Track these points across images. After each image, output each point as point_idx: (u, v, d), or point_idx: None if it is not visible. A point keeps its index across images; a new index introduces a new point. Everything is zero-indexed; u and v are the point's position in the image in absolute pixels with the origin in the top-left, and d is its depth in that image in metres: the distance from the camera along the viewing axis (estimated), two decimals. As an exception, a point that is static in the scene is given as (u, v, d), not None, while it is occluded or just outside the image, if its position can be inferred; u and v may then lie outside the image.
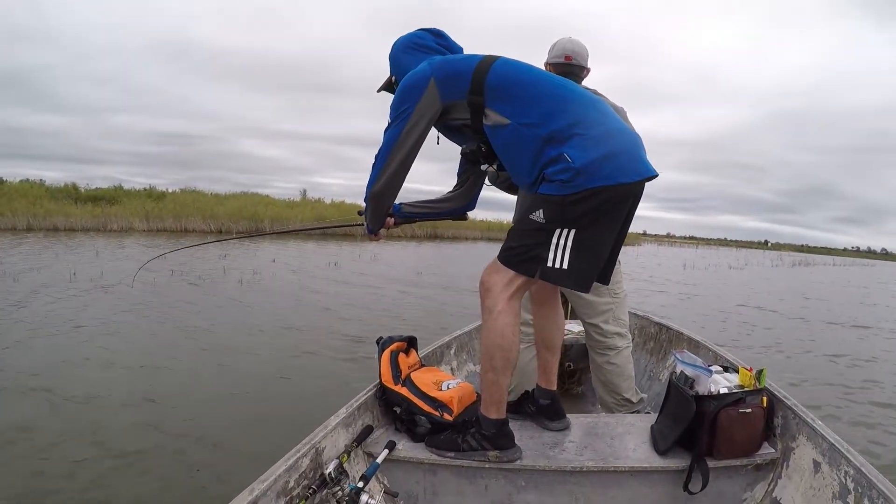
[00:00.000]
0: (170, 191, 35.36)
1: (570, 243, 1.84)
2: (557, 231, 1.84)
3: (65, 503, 3.14)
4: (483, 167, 2.27)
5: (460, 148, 2.31)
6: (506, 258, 1.98)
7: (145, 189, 35.86)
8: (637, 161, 1.87)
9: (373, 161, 2.14)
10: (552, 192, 1.83)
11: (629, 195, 1.90)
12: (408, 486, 2.29)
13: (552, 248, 1.86)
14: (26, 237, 19.26)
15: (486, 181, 2.53)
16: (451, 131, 2.25)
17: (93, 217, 25.62)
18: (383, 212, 2.30)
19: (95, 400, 4.72)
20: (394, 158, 2.05)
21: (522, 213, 2.02)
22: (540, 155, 1.86)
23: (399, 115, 2.02)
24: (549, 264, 1.87)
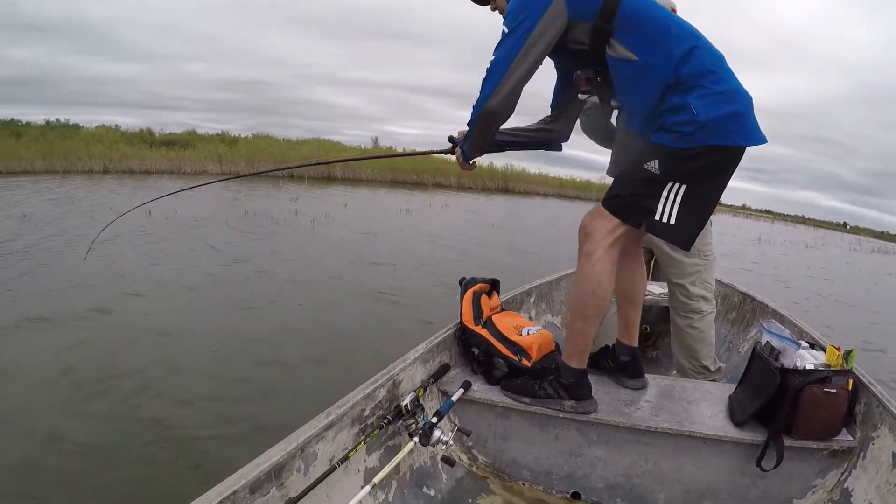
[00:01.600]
0: (242, 136, 36.56)
1: (679, 198, 1.84)
2: (670, 184, 1.84)
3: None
4: (585, 97, 2.22)
5: (556, 77, 2.26)
6: (613, 206, 1.97)
7: (218, 134, 37.15)
8: (754, 125, 1.84)
9: (483, 77, 2.01)
10: (671, 143, 1.81)
11: (740, 158, 1.89)
12: (479, 427, 2.36)
13: (662, 200, 1.86)
14: (102, 179, 20.52)
15: (579, 125, 2.46)
16: (561, 54, 2.14)
17: (167, 160, 26.87)
18: (492, 134, 2.17)
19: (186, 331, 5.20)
20: (513, 74, 1.92)
21: (634, 161, 1.99)
22: (662, 100, 1.82)
23: (518, 25, 1.91)
24: (657, 217, 1.87)
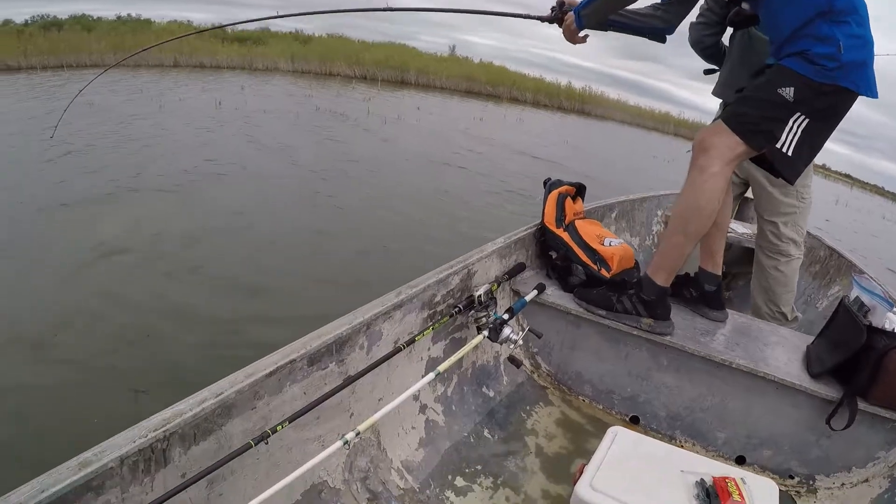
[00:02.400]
0: (317, 35, 36.33)
1: (800, 132, 1.84)
2: (797, 115, 1.83)
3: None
4: None
5: None
6: (738, 123, 1.91)
7: (291, 33, 36.99)
8: (873, 78, 1.83)
9: None
10: (810, 74, 1.77)
11: (851, 106, 1.89)
12: (548, 333, 2.29)
13: (786, 130, 1.85)
14: (170, 71, 20.82)
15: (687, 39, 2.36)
16: None
17: (239, 56, 26.94)
18: (622, 4, 2.16)
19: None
20: None
21: (765, 83, 1.89)
22: (809, 24, 1.77)
23: None
24: (778, 145, 1.86)
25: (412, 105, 16.97)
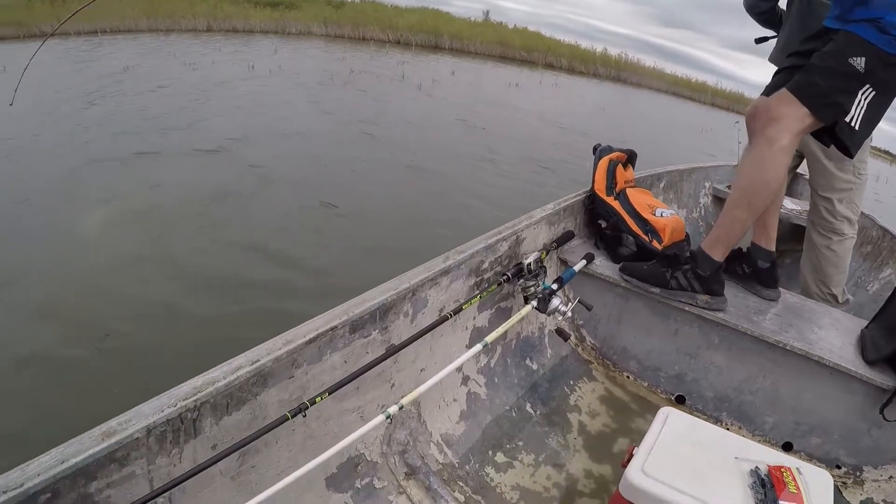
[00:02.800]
0: (349, 0, 35.93)
1: (867, 104, 1.76)
2: (866, 87, 1.74)
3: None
4: None
5: None
6: (808, 94, 1.80)
7: (325, -5, 36.62)
8: None
9: None
10: (882, 44, 1.68)
11: None
12: (594, 305, 2.18)
13: (855, 102, 1.76)
14: (202, 35, 20.77)
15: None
16: None
17: (272, 20, 26.77)
18: None
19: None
20: None
21: (835, 52, 1.78)
22: None
23: None
24: (847, 118, 1.77)
25: (446, 70, 16.81)
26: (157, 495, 1.01)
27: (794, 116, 1.80)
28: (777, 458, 1.34)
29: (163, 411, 1.05)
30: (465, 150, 7.30)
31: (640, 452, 1.36)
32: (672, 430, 1.43)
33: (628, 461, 1.39)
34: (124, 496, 1.03)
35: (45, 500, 0.91)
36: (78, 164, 5.17)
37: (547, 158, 7.56)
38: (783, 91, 1.85)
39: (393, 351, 1.44)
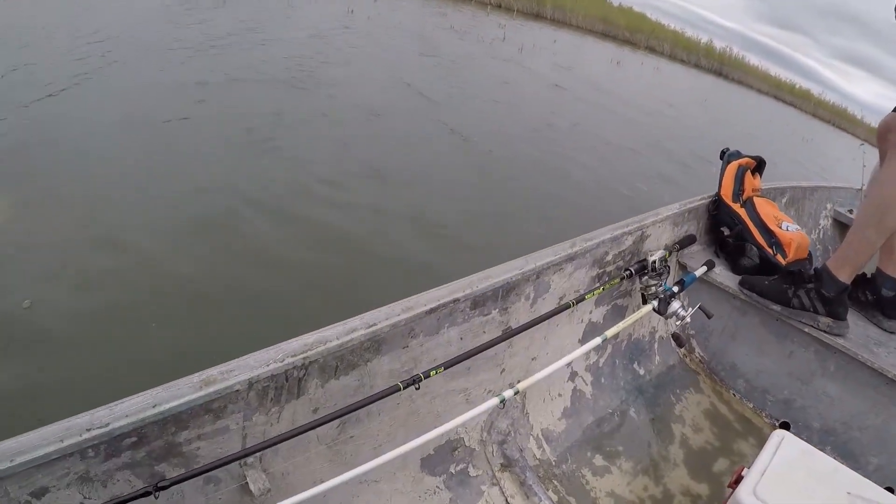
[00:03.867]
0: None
1: None
2: None
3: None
4: None
5: None
6: None
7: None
8: None
9: None
10: None
11: None
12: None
13: None
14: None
15: None
16: None
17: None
18: None
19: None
20: None
21: None
22: None
23: None
24: None
25: (548, 38, 16.46)
26: (249, 454, 0.97)
27: None
28: (891, 500, 1.26)
29: (268, 365, 1.00)
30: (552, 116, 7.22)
31: (751, 474, 1.28)
32: (785, 455, 1.34)
33: (736, 482, 1.33)
34: (214, 449, 1.00)
35: (129, 444, 0.88)
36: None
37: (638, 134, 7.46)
38: None
39: (509, 334, 1.37)
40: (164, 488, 0.87)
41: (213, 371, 0.96)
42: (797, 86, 29.30)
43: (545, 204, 4.74)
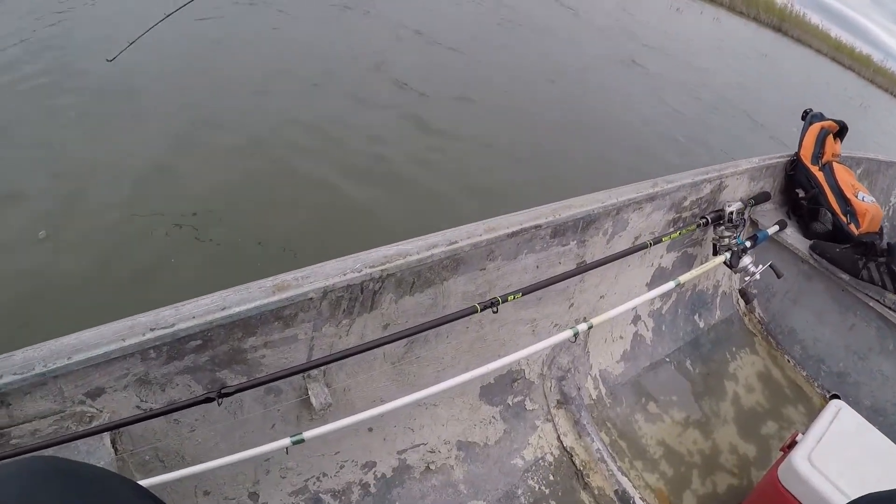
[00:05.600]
0: None
1: None
2: None
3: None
4: None
5: None
6: None
7: None
8: None
9: None
10: None
11: None
12: (773, 277, 2.04)
13: None
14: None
15: None
16: None
17: None
18: None
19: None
20: None
21: None
22: None
23: None
24: None
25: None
26: (315, 366, 0.93)
27: None
28: None
29: (345, 275, 0.95)
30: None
31: (806, 440, 1.24)
32: (842, 426, 1.30)
33: (789, 446, 1.30)
34: (279, 358, 0.96)
35: (193, 347, 0.84)
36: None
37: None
38: None
39: (584, 269, 1.32)
40: (227, 395, 0.83)
41: (287, 276, 0.91)
42: (857, 50, 28.08)
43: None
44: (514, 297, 1.13)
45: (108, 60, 2.18)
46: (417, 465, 1.28)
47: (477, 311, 1.07)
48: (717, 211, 1.72)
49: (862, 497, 0.83)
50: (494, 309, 1.09)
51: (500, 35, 6.69)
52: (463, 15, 6.95)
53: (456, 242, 1.10)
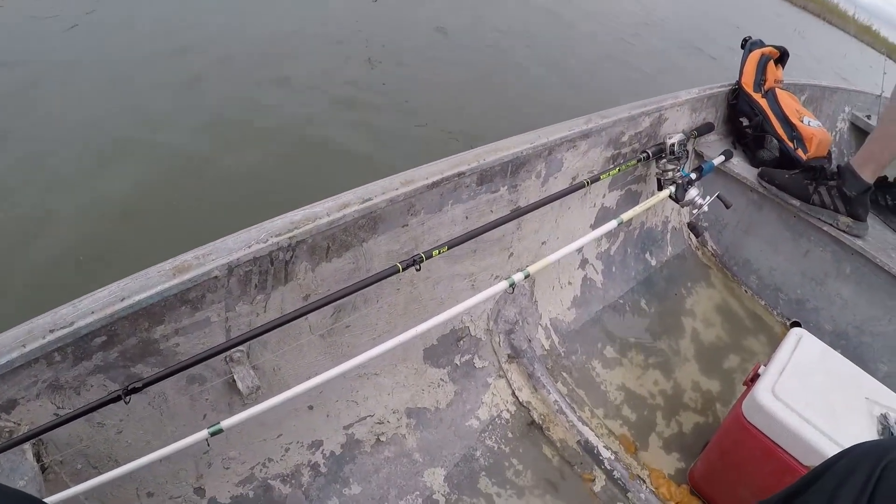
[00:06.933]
0: None
1: None
2: None
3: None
4: None
5: None
6: None
7: None
8: None
9: None
10: None
11: None
12: (723, 207, 2.01)
13: None
14: None
15: None
16: None
17: None
18: None
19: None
20: None
21: None
22: None
23: None
24: None
25: None
26: (234, 346, 0.84)
27: None
28: None
29: (250, 247, 0.87)
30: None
31: (768, 372, 1.19)
32: (804, 354, 1.25)
33: (752, 379, 1.26)
34: (195, 344, 0.88)
35: (99, 343, 0.76)
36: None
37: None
38: None
39: (518, 213, 1.23)
40: (136, 390, 0.75)
41: (186, 256, 0.83)
42: (884, 34, 28.35)
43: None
44: (438, 252, 1.05)
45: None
46: (367, 439, 1.21)
47: (399, 271, 0.98)
48: (658, 144, 1.65)
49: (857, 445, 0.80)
50: (417, 267, 1.01)
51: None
52: None
53: (370, 199, 1.01)
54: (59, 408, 0.78)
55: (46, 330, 0.71)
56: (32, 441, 0.74)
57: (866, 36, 23.32)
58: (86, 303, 0.74)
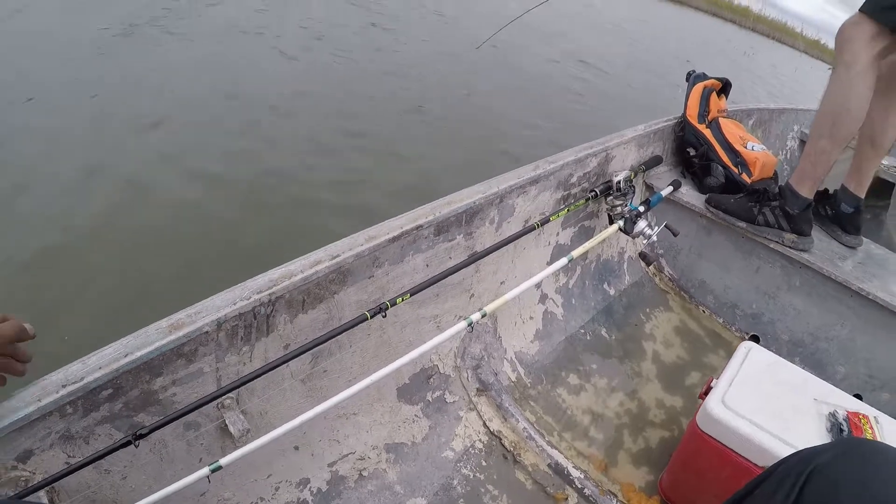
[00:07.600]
0: None
1: None
2: None
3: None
4: None
5: None
6: (868, 5, 1.68)
7: None
8: None
9: None
10: None
11: None
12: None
13: None
14: None
15: None
16: None
17: None
18: None
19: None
20: None
21: None
22: None
23: None
24: None
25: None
26: (224, 394, 0.96)
27: (865, 36, 1.67)
28: (855, 405, 1.28)
29: (235, 304, 0.98)
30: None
31: (719, 385, 1.29)
32: (753, 365, 1.34)
33: (706, 392, 1.35)
34: (190, 394, 0.98)
35: (106, 395, 0.86)
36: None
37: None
38: (856, 12, 1.72)
39: (476, 258, 1.35)
40: (143, 436, 0.85)
41: (180, 315, 0.94)
42: (736, 2, 28.87)
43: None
44: (402, 300, 1.17)
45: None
46: (350, 475, 1.30)
47: (367, 318, 1.10)
48: (605, 182, 1.77)
49: (797, 451, 0.88)
50: (384, 314, 1.13)
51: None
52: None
53: (339, 255, 1.12)
54: (70, 456, 0.87)
55: (59, 385, 0.81)
56: (46, 489, 0.82)
57: (815, 50, 23.95)
58: (94, 359, 0.85)
